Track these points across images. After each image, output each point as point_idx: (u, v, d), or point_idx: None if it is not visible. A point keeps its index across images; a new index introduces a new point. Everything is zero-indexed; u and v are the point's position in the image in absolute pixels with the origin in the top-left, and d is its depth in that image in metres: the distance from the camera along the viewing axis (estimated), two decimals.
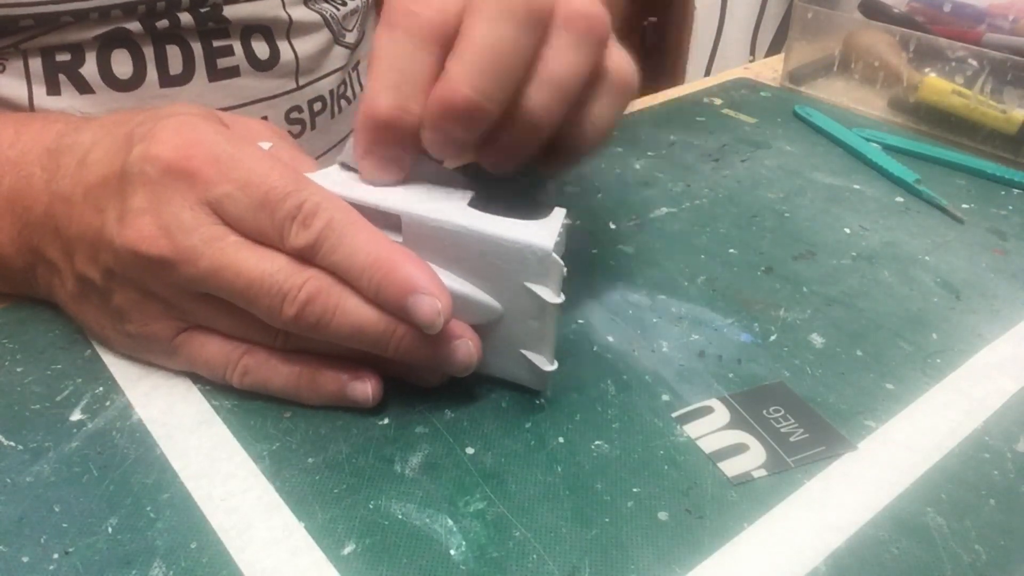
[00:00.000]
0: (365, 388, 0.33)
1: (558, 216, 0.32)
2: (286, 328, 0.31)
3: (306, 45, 0.54)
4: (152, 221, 0.30)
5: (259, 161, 0.30)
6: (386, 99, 0.30)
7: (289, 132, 0.55)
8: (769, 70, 0.73)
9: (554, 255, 0.30)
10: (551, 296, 0.31)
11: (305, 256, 0.30)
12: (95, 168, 0.32)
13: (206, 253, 0.30)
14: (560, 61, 0.30)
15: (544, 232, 0.30)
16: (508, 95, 0.30)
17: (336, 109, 0.59)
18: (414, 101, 0.30)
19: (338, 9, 0.58)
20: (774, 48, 1.49)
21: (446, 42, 0.29)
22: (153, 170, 0.30)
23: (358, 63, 0.62)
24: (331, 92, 0.58)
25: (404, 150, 0.31)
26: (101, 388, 0.34)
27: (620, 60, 0.34)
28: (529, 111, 0.31)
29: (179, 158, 0.30)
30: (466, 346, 0.32)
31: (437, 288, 0.30)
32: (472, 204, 0.31)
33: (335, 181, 0.32)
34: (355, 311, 0.30)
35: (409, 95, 0.30)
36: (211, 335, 0.33)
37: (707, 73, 1.55)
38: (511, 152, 0.32)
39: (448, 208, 0.31)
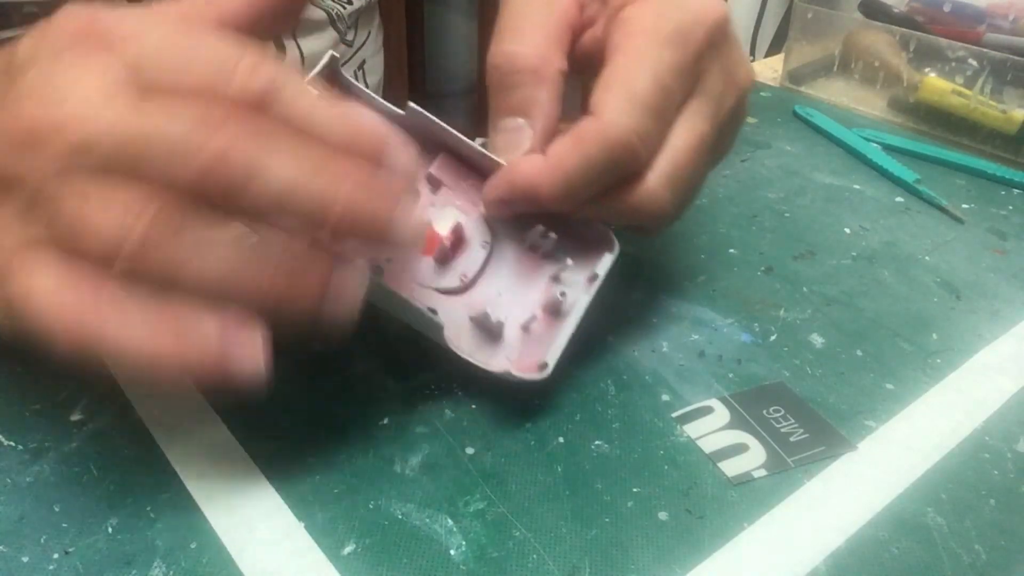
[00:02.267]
0: (255, 346, 0.25)
1: None
2: (194, 192, 0.23)
3: (311, 42, 0.54)
4: (44, 85, 0.25)
5: (180, 22, 0.27)
6: (508, 49, 0.32)
7: None
8: (769, 70, 0.73)
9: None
10: None
11: (251, 109, 0.24)
12: None
13: (100, 110, 0.24)
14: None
15: None
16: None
17: None
18: (539, 47, 0.32)
19: (344, 8, 0.58)
20: (774, 48, 1.49)
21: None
22: (52, 40, 0.26)
23: (363, 62, 0.62)
24: None
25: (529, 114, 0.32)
26: (101, 388, 0.34)
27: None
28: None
29: (83, 23, 0.26)
30: (410, 211, 0.26)
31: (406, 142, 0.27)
32: None
33: None
34: (290, 160, 0.24)
35: (534, 42, 0.32)
36: (54, 258, 0.24)
37: None
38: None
39: None
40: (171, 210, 0.23)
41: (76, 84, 0.24)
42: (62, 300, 0.24)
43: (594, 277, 0.33)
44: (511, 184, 0.32)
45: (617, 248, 0.32)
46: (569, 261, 0.34)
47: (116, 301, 0.24)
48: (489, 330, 0.33)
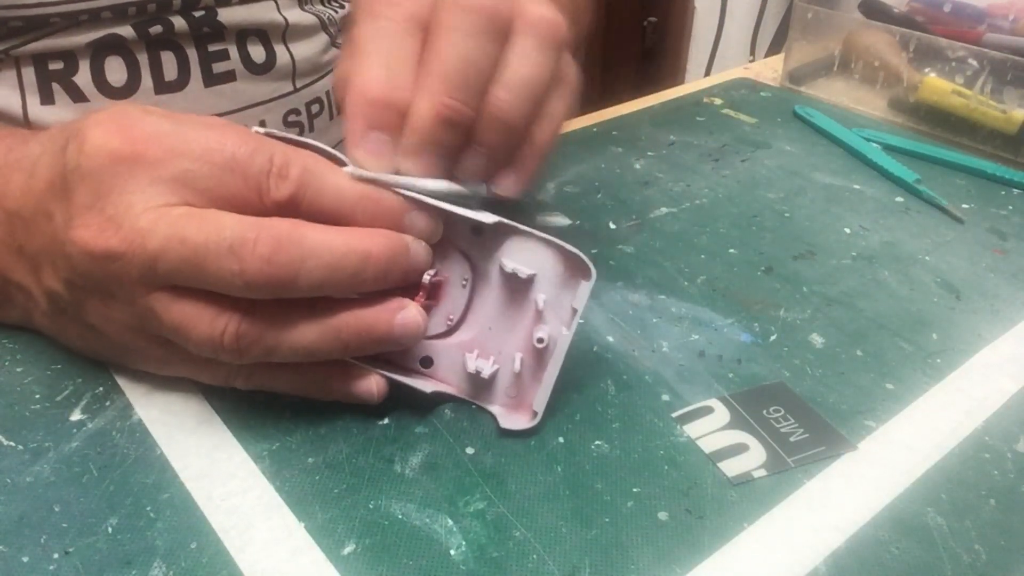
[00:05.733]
0: (370, 384, 0.32)
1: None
2: (251, 289, 0.28)
3: (302, 48, 0.54)
4: (97, 215, 0.28)
5: (209, 130, 0.29)
6: (378, 80, 0.30)
7: None
8: (769, 70, 0.73)
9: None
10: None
11: (288, 208, 0.29)
12: (41, 176, 0.31)
13: (151, 232, 0.28)
14: (523, 63, 0.32)
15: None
16: (479, 97, 0.31)
17: (335, 111, 0.59)
18: (405, 81, 0.31)
19: (336, 12, 0.58)
20: (774, 48, 1.49)
21: (424, 28, 0.31)
22: (91, 163, 0.28)
23: None
24: (328, 93, 0.57)
25: (394, 134, 0.31)
26: (101, 388, 0.34)
27: (570, 65, 0.36)
28: (498, 109, 0.32)
29: (119, 144, 0.28)
30: (422, 244, 0.31)
31: (423, 205, 0.31)
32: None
33: None
34: (323, 248, 0.28)
35: (400, 75, 0.31)
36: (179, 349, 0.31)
37: (707, 73, 1.55)
38: (484, 156, 0.33)
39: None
40: (249, 315, 0.29)
41: (128, 210, 0.28)
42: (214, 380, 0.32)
43: (573, 312, 0.33)
44: None
45: (593, 276, 0.32)
46: (544, 297, 0.33)
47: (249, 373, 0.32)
48: (483, 379, 0.33)
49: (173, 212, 0.28)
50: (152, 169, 0.28)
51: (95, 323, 0.32)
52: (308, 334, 0.30)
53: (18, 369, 0.35)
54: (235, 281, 0.28)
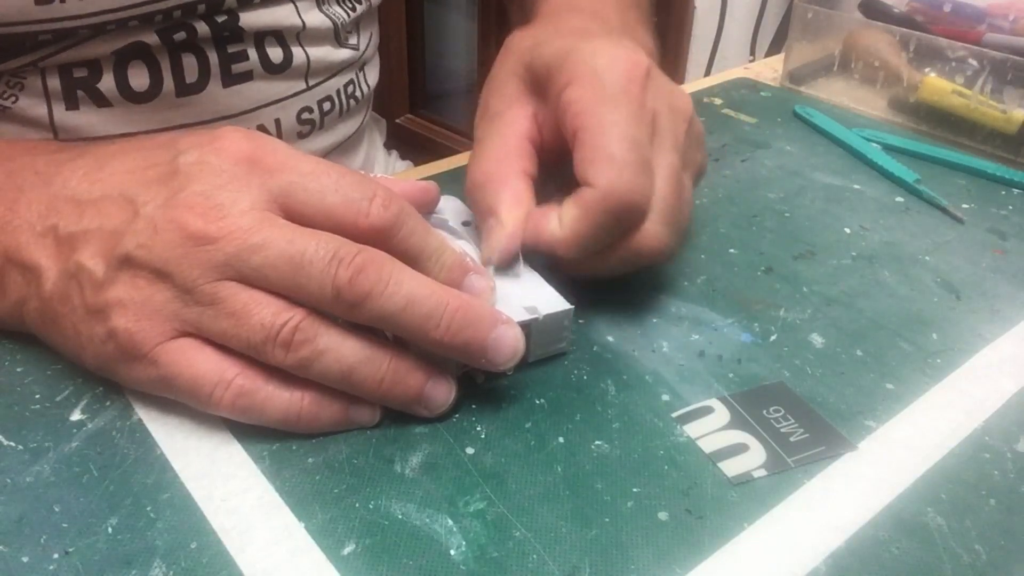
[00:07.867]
0: (372, 408, 0.33)
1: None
2: (336, 298, 0.30)
3: (317, 48, 0.55)
4: (205, 201, 0.30)
5: (320, 159, 0.32)
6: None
7: (299, 132, 0.55)
8: (769, 70, 0.73)
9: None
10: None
11: (380, 236, 0.31)
12: (121, 170, 0.33)
13: (256, 228, 0.30)
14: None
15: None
16: None
17: (344, 108, 0.59)
18: None
19: (348, 15, 0.58)
20: (774, 48, 1.49)
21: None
22: (217, 161, 0.31)
23: (365, 64, 0.62)
24: (338, 91, 0.58)
25: None
26: (101, 388, 0.34)
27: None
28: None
29: (246, 149, 0.31)
30: (514, 330, 0.32)
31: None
32: None
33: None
34: (410, 281, 0.30)
35: None
36: (204, 347, 0.31)
37: (707, 73, 1.55)
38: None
39: None
40: (311, 316, 0.30)
41: (234, 203, 0.30)
42: (229, 378, 0.31)
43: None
44: (535, 244, 0.36)
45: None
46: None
47: (266, 379, 0.31)
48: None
49: (277, 220, 0.30)
50: (267, 176, 0.31)
51: (118, 298, 0.31)
52: (358, 353, 0.31)
53: (18, 369, 0.35)
54: (326, 284, 0.29)
